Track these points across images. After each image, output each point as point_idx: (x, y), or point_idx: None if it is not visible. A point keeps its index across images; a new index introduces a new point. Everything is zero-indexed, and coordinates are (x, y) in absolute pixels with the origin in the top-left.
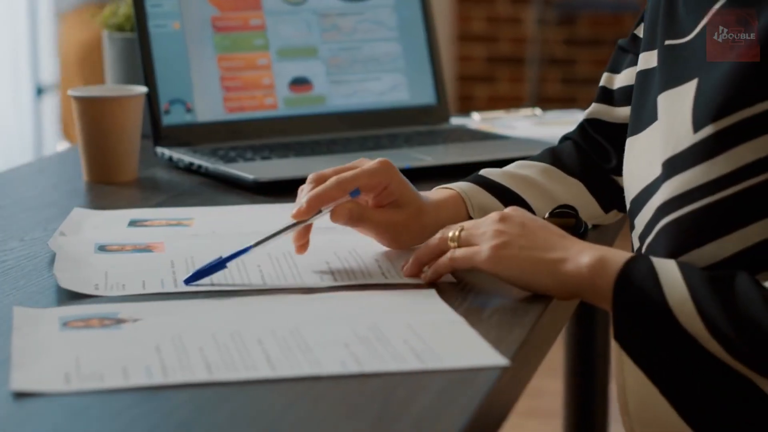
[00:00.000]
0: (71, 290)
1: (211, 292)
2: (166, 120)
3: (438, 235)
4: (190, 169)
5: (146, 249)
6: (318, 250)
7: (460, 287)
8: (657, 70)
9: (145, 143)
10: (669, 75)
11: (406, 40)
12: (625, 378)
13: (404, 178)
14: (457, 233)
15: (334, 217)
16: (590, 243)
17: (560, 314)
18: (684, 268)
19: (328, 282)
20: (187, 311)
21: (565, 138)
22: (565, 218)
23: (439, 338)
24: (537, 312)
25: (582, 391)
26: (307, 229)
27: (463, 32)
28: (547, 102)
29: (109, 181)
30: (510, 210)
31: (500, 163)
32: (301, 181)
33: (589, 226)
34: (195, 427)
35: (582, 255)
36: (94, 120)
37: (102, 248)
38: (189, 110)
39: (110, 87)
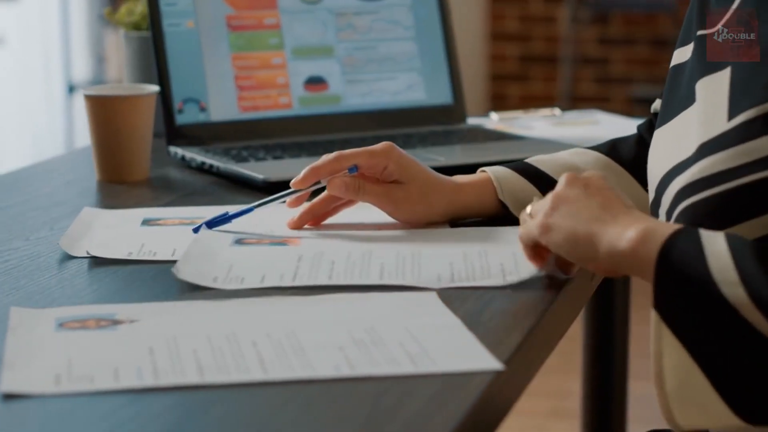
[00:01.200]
0: (189, 282)
1: (211, 295)
2: (180, 119)
3: (521, 215)
4: (202, 169)
5: (282, 242)
6: (444, 249)
7: (460, 290)
8: (691, 61)
9: (158, 142)
10: (705, 63)
11: (423, 39)
12: (663, 353)
13: (410, 157)
14: (530, 206)
15: (331, 187)
16: (645, 215)
17: (562, 317)
18: (729, 237)
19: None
20: (185, 312)
21: (637, 128)
22: None
23: (435, 341)
24: (536, 315)
25: (600, 392)
26: (302, 197)
27: (497, 31)
28: (580, 101)
29: (120, 180)
30: (588, 173)
31: (513, 162)
32: None
33: None
34: (182, 430)
35: (628, 228)
36: (105, 119)
37: (239, 242)
38: (203, 109)
39: (123, 86)
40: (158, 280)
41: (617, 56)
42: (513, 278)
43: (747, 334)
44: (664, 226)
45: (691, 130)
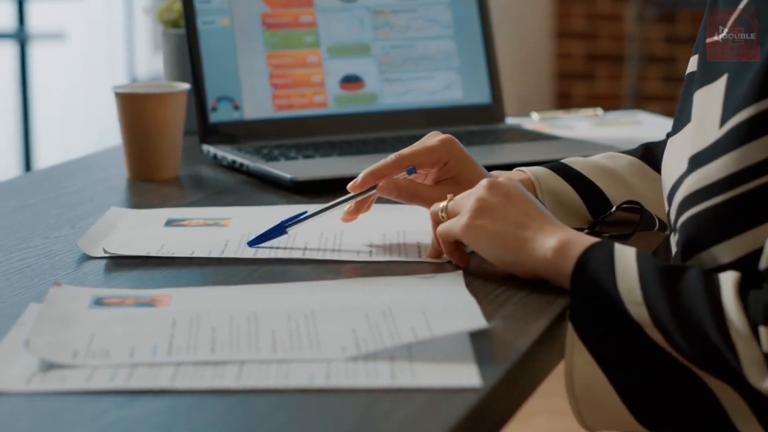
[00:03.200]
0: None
1: (252, 279)
2: (214, 117)
3: (432, 209)
4: (232, 167)
5: (149, 303)
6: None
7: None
8: (697, 69)
9: (193, 140)
10: (705, 72)
11: (461, 38)
12: (573, 359)
13: (469, 155)
14: (445, 204)
15: (381, 190)
16: (565, 227)
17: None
18: (640, 257)
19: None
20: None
21: (668, 134)
22: (631, 213)
23: (428, 353)
24: (542, 325)
25: None
26: (362, 203)
27: (563, 29)
28: (645, 100)
29: (150, 178)
30: (502, 178)
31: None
32: (339, 180)
33: None
34: None
35: (549, 237)
36: (135, 117)
37: (98, 302)
38: (237, 108)
39: (154, 84)
40: (174, 280)
41: (684, 55)
42: (425, 335)
43: (650, 348)
44: (582, 239)
45: (687, 145)
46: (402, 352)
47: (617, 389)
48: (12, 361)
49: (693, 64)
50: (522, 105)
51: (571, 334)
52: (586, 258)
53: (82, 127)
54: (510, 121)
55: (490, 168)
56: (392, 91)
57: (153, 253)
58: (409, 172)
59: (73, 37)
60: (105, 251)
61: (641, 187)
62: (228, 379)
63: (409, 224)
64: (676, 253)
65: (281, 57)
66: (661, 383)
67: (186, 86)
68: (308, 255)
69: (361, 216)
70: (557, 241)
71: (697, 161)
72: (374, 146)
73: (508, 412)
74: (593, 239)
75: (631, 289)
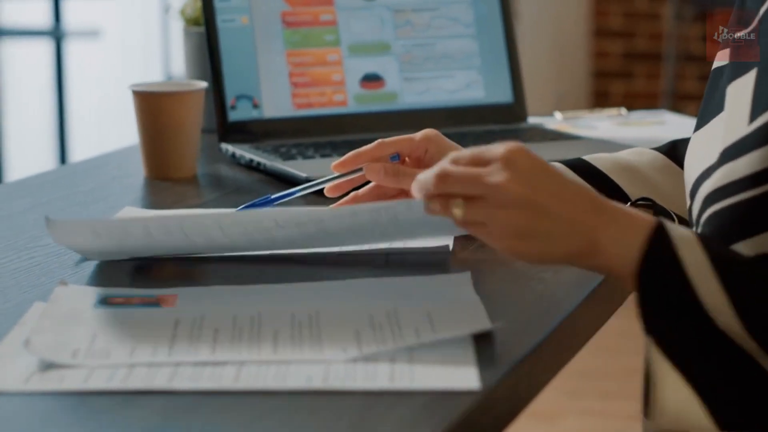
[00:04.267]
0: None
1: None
2: (233, 116)
3: (441, 166)
4: (250, 166)
5: (154, 303)
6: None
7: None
8: (728, 63)
9: (212, 139)
10: (736, 65)
11: (483, 36)
12: (658, 382)
13: (452, 143)
14: (460, 208)
15: (368, 172)
16: (601, 215)
17: (585, 321)
18: (714, 258)
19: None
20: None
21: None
22: (645, 209)
23: (429, 355)
24: (547, 328)
25: None
26: (341, 186)
27: (600, 27)
28: (683, 99)
29: (167, 177)
30: (520, 161)
31: None
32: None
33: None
34: None
35: (594, 256)
36: (152, 115)
37: (103, 301)
38: (256, 106)
39: (171, 82)
40: (181, 280)
41: None
42: (428, 338)
43: (740, 356)
44: (621, 235)
45: (718, 137)
46: (402, 353)
47: (705, 402)
48: (12, 361)
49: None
50: (558, 104)
51: (652, 353)
52: (646, 265)
53: (117, 123)
54: (532, 120)
55: None
56: (413, 90)
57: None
58: (393, 159)
59: (109, 35)
60: None
61: (663, 184)
62: (226, 381)
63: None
64: None
65: (301, 55)
66: (750, 393)
67: (203, 84)
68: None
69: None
70: (601, 246)
71: (726, 155)
72: None
73: (508, 416)
74: (637, 225)
75: (712, 292)
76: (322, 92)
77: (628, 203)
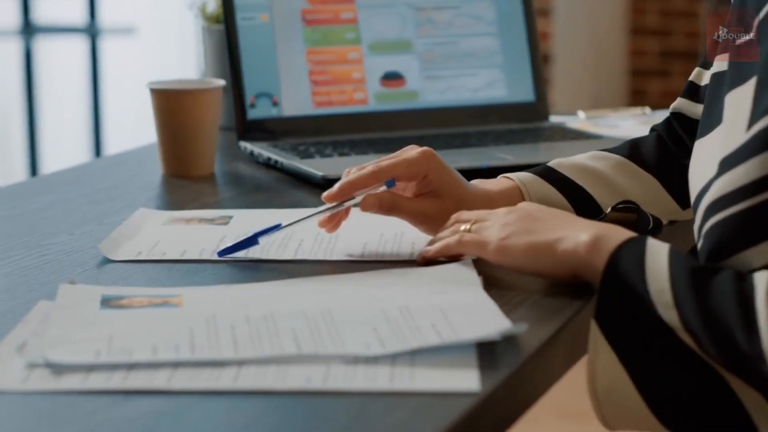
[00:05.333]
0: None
1: (259, 276)
2: (252, 114)
3: (451, 227)
4: (268, 164)
5: (163, 303)
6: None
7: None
8: (728, 70)
9: (231, 137)
10: (735, 73)
11: (505, 35)
12: (597, 358)
13: (449, 168)
14: (468, 227)
15: (364, 205)
16: (594, 221)
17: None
18: (673, 255)
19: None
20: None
21: (653, 129)
22: (626, 213)
23: (430, 356)
24: (550, 330)
25: None
26: (339, 215)
27: (637, 26)
28: None
29: (185, 174)
30: (522, 203)
31: None
32: None
33: (664, 222)
34: None
35: (581, 233)
36: (169, 113)
37: (106, 303)
38: (275, 104)
39: (189, 80)
40: (190, 279)
41: None
42: (451, 337)
43: (679, 350)
44: (615, 233)
45: (717, 148)
46: (404, 354)
47: (641, 390)
48: (12, 360)
49: (719, 65)
50: (594, 102)
51: (595, 333)
52: (618, 255)
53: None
54: (555, 119)
55: (524, 167)
56: (434, 89)
57: (144, 254)
58: (389, 185)
59: (143, 32)
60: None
61: (629, 188)
62: (225, 381)
63: (407, 226)
64: (702, 261)
65: (321, 53)
66: (687, 386)
67: (221, 83)
68: (300, 255)
69: (358, 216)
70: (589, 236)
71: (724, 165)
72: (415, 143)
73: (508, 418)
74: (628, 234)
75: (662, 290)
76: (342, 90)
77: (609, 209)
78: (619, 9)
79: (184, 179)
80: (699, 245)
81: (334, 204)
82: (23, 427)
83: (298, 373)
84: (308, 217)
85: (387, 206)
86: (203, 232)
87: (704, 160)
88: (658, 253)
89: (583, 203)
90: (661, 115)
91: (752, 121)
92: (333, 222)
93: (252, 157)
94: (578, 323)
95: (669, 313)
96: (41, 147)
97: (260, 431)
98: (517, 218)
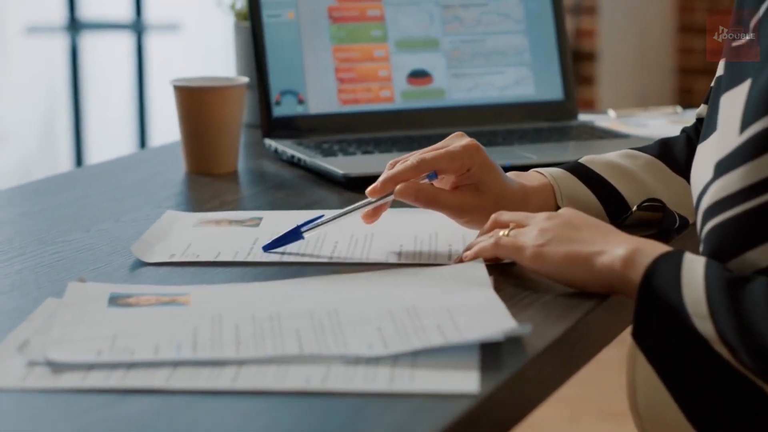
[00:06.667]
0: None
1: (269, 274)
2: (277, 111)
3: (489, 229)
4: (292, 162)
5: (170, 302)
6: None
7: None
8: (724, 72)
9: (257, 134)
10: (731, 75)
11: (534, 33)
12: (636, 375)
13: (492, 162)
14: (507, 232)
15: (399, 193)
16: (633, 236)
17: (596, 332)
18: (709, 267)
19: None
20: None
21: (683, 131)
22: (652, 212)
23: (431, 356)
24: (558, 332)
25: None
26: (379, 209)
27: (685, 24)
28: None
29: (207, 172)
30: (563, 210)
31: None
32: None
33: (690, 221)
34: None
35: (618, 247)
36: (192, 110)
37: (114, 301)
38: (301, 102)
39: (213, 78)
40: (200, 278)
41: None
42: (455, 338)
43: (716, 363)
44: (651, 248)
45: (713, 151)
46: (406, 355)
47: (681, 405)
48: (13, 358)
49: (722, 67)
50: (641, 101)
51: (632, 350)
52: (653, 269)
53: None
54: (584, 118)
55: (547, 166)
56: (461, 87)
57: (177, 256)
58: (430, 178)
59: (189, 28)
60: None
61: (659, 188)
62: (224, 380)
63: (441, 226)
64: None
65: (348, 51)
66: (727, 398)
67: (244, 80)
68: (336, 258)
69: (389, 217)
70: (626, 250)
71: (719, 168)
72: (437, 142)
73: (508, 421)
74: (664, 248)
75: (697, 302)
76: (368, 88)
77: (634, 207)
78: (667, 7)
79: (207, 177)
80: (700, 249)
81: (375, 199)
82: (18, 425)
83: (298, 374)
84: (350, 211)
85: (425, 199)
86: (235, 233)
87: (703, 163)
88: (694, 264)
89: (611, 200)
90: (691, 114)
91: (744, 124)
92: (376, 216)
93: (276, 155)
94: (586, 325)
95: (704, 324)
96: (87, 142)
97: (255, 430)
98: (557, 224)
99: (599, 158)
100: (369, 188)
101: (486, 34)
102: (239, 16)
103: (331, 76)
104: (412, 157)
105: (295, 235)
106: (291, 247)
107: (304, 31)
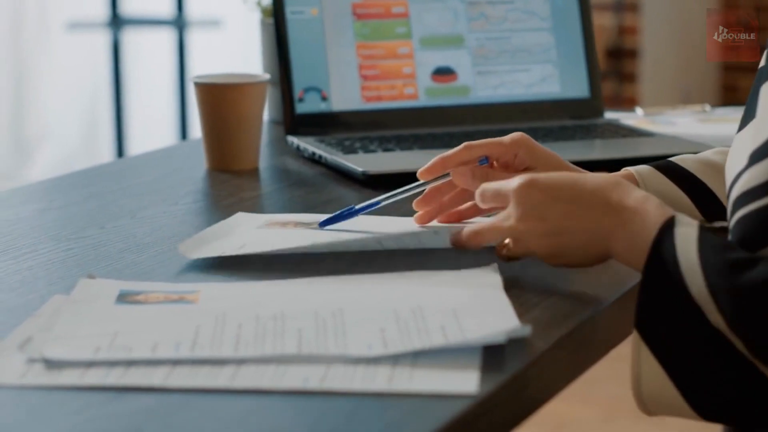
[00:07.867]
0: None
1: (288, 275)
2: (300, 108)
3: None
4: (313, 159)
5: (178, 300)
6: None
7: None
8: (766, 63)
9: (280, 131)
10: None
11: (560, 30)
12: (641, 366)
13: (544, 149)
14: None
15: (456, 176)
16: (610, 200)
17: (605, 331)
18: (703, 248)
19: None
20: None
21: None
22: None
23: (432, 357)
24: (561, 332)
25: None
26: (431, 196)
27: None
28: None
29: (228, 169)
30: (517, 187)
31: (630, 162)
32: (411, 174)
33: None
34: None
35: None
36: (213, 107)
37: (122, 298)
38: (324, 99)
39: (234, 74)
40: (211, 276)
41: None
42: (457, 338)
43: (726, 350)
44: (651, 215)
45: (748, 140)
46: (407, 355)
47: (680, 388)
48: (14, 354)
49: (764, 59)
50: (685, 98)
51: (637, 341)
52: (656, 254)
53: None
54: (610, 115)
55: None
56: (486, 84)
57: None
58: (482, 163)
59: (230, 25)
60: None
61: None
62: (222, 379)
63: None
64: None
65: (371, 48)
66: (725, 379)
67: (266, 77)
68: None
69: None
70: (635, 202)
71: (753, 157)
72: (461, 140)
73: (508, 422)
74: (663, 216)
75: (701, 292)
76: (392, 85)
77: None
78: (711, 3)
79: (227, 173)
80: (729, 238)
81: (428, 180)
82: (16, 422)
83: (297, 373)
84: (403, 191)
85: (480, 178)
86: (294, 234)
87: (738, 152)
88: (687, 247)
89: (703, 198)
90: (721, 112)
91: None
92: (429, 201)
93: (298, 152)
94: (593, 326)
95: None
96: (128, 138)
97: (248, 430)
98: (542, 241)
99: (692, 156)
100: (420, 169)
101: (512, 32)
102: (265, 12)
103: (355, 73)
104: (463, 144)
105: (351, 213)
106: (346, 224)
107: (328, 27)
